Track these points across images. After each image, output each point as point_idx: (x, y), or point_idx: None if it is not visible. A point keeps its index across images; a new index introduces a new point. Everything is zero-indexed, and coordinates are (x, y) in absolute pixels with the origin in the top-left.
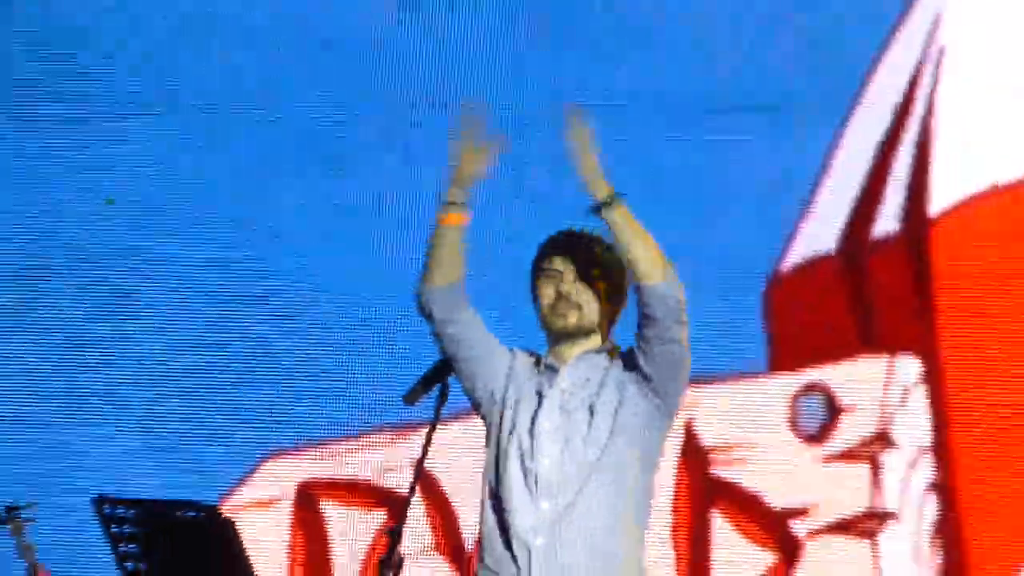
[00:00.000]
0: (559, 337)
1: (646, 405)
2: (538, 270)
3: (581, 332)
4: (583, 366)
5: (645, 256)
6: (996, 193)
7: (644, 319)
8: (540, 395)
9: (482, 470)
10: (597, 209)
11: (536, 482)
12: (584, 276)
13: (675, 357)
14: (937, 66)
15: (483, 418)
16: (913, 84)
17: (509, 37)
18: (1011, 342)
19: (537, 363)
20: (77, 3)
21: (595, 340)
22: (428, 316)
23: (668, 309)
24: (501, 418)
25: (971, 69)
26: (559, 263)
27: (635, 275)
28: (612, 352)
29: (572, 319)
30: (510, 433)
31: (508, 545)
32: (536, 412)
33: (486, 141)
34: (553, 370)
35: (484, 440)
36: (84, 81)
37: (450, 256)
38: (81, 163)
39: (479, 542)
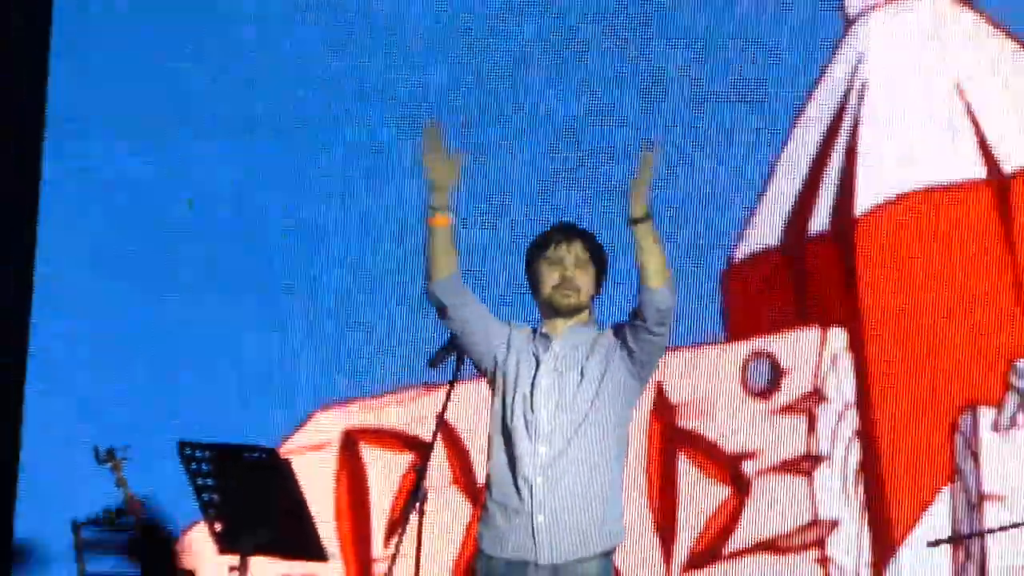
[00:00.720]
0: (556, 312)
1: (626, 371)
2: (540, 257)
3: (579, 309)
4: (573, 336)
5: (656, 266)
6: (908, 197)
7: (638, 312)
8: (537, 359)
9: (490, 421)
10: (633, 221)
11: (535, 430)
12: (580, 263)
13: (655, 345)
14: (861, 94)
15: (489, 381)
16: (841, 109)
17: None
18: (919, 316)
19: (533, 333)
20: None
21: (583, 315)
22: (438, 306)
23: (659, 311)
24: (504, 379)
25: (887, 97)
26: (562, 251)
27: (642, 278)
28: (595, 324)
29: (573, 299)
30: (513, 391)
31: (514, 482)
32: (535, 373)
33: (449, 154)
34: (548, 339)
35: (490, 397)
36: None
37: (443, 253)
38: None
39: (488, 478)
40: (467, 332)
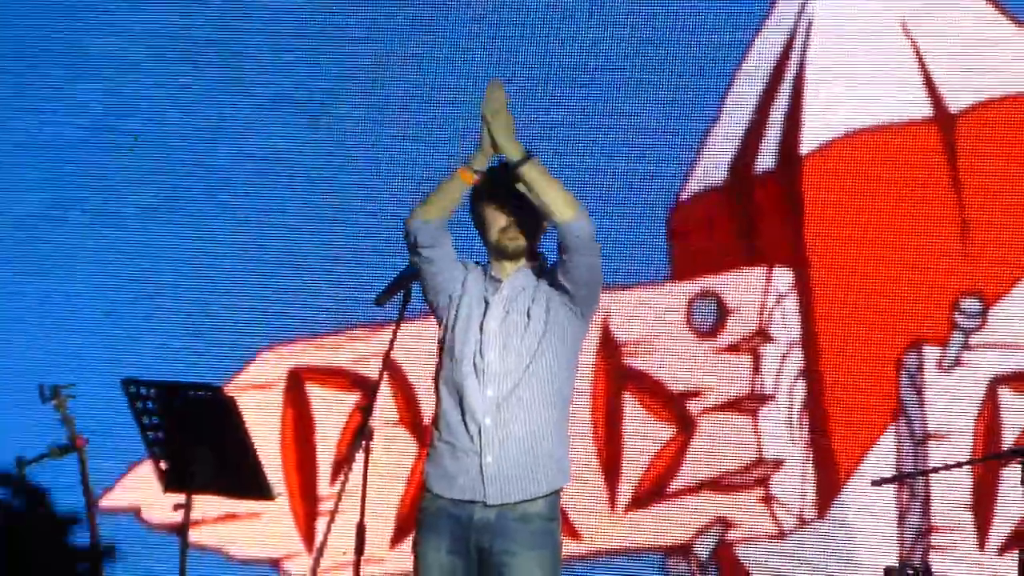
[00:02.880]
0: (504, 255)
1: (567, 311)
2: (484, 199)
3: (526, 252)
4: (520, 278)
5: (556, 200)
6: (852, 137)
7: (561, 249)
8: (487, 301)
9: (436, 361)
10: (514, 167)
11: (483, 372)
12: (524, 204)
13: (589, 278)
14: (807, 33)
15: (438, 319)
16: (788, 47)
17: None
18: (865, 254)
19: (483, 274)
20: None
21: (531, 258)
22: (413, 240)
23: (580, 241)
24: (455, 319)
25: (833, 36)
26: (505, 195)
27: (550, 216)
28: (541, 266)
29: (521, 241)
30: (463, 332)
31: (463, 422)
32: (484, 315)
33: (509, 117)
34: (497, 281)
35: (437, 335)
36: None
37: (452, 203)
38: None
39: (435, 418)
40: (431, 271)
